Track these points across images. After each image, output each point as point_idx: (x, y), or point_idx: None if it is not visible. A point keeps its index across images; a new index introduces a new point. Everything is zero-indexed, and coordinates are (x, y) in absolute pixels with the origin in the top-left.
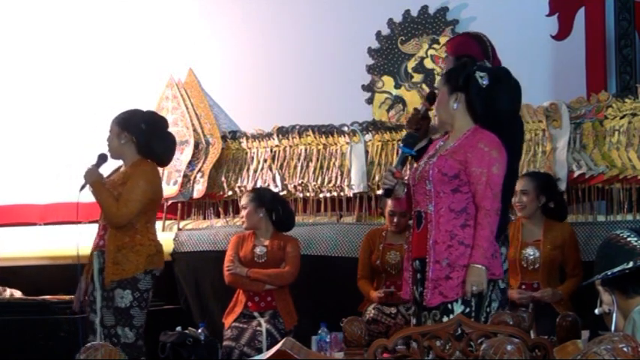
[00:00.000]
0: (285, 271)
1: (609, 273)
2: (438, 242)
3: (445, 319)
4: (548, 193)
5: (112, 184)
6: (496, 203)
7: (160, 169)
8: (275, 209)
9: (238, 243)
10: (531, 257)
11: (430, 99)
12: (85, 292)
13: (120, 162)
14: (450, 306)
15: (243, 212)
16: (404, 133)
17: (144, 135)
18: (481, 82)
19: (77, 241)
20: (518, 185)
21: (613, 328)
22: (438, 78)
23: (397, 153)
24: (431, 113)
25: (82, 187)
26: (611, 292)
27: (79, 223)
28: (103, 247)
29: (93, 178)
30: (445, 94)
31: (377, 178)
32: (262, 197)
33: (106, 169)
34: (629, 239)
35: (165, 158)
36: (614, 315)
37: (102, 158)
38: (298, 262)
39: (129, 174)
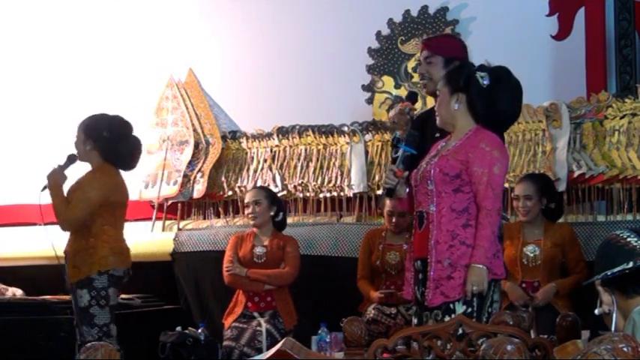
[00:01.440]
0: (284, 271)
1: (609, 273)
2: (439, 242)
3: (447, 318)
4: (549, 195)
5: (71, 188)
6: (497, 203)
7: (155, 171)
8: (283, 209)
9: (237, 243)
10: (532, 254)
11: (411, 98)
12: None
13: None
14: (451, 306)
15: (256, 208)
16: (395, 134)
17: (107, 142)
18: (482, 83)
19: (52, 242)
20: (520, 190)
21: (613, 328)
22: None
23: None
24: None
25: (44, 188)
26: (611, 292)
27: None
28: (67, 251)
29: (54, 179)
30: (446, 94)
31: (377, 178)
32: (274, 195)
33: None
34: (629, 239)
35: (129, 163)
36: (614, 315)
37: (71, 159)
38: (298, 262)
39: (82, 180)
